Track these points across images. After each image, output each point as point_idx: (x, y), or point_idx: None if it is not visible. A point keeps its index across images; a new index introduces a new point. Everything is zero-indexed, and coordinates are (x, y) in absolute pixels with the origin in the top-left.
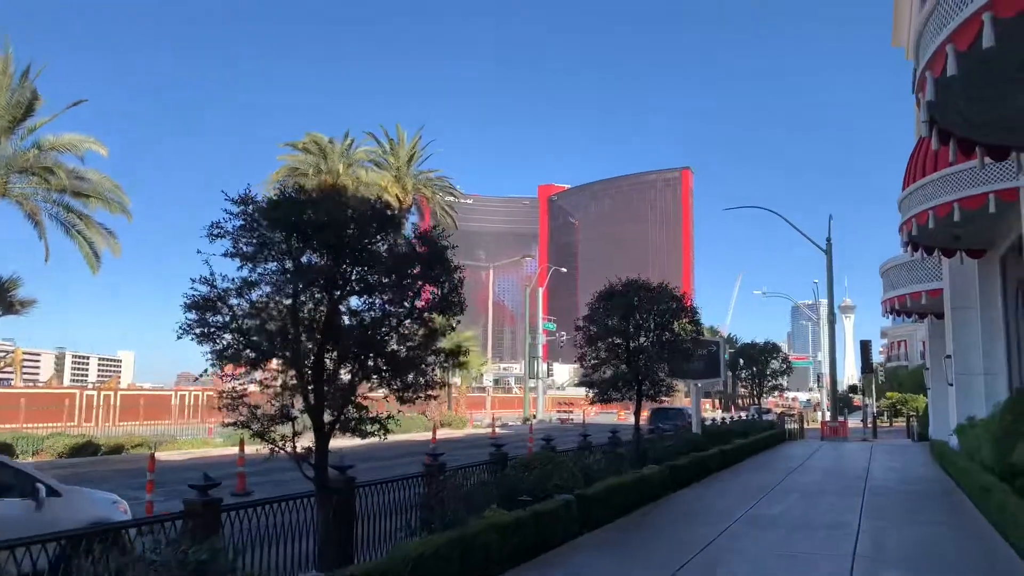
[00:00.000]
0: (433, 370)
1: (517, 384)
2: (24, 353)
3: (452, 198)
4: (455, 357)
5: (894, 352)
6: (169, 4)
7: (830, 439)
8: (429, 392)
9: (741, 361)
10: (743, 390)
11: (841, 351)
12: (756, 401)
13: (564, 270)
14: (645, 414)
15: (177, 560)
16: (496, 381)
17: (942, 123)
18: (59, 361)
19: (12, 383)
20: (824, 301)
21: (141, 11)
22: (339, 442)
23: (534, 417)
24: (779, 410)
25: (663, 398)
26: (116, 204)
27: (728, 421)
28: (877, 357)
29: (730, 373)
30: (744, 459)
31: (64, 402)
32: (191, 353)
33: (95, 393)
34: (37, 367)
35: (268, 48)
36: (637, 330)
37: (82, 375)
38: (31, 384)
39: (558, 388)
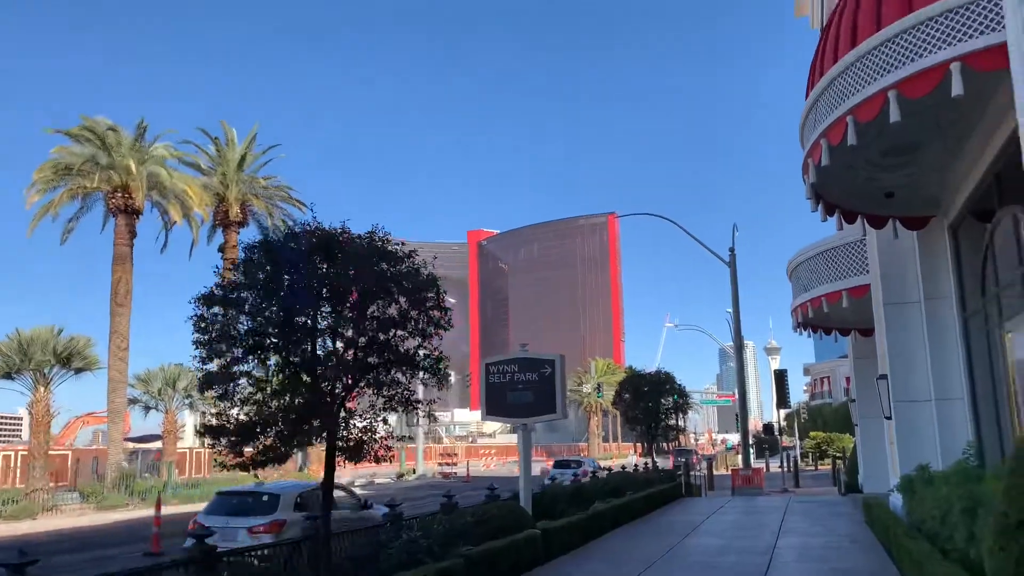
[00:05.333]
0: None
1: (448, 434)
2: None
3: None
4: None
5: (818, 390)
6: None
7: (742, 491)
8: None
9: (628, 396)
10: (633, 432)
11: (767, 392)
12: (648, 445)
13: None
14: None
15: None
16: (426, 432)
17: None
18: None
19: None
20: (749, 343)
21: None
22: None
23: (413, 472)
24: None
25: (368, 454)
26: None
27: (615, 470)
28: (801, 395)
29: (609, 412)
30: (602, 534)
31: None
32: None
33: None
34: None
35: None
36: (321, 317)
37: None
38: None
39: (488, 436)
